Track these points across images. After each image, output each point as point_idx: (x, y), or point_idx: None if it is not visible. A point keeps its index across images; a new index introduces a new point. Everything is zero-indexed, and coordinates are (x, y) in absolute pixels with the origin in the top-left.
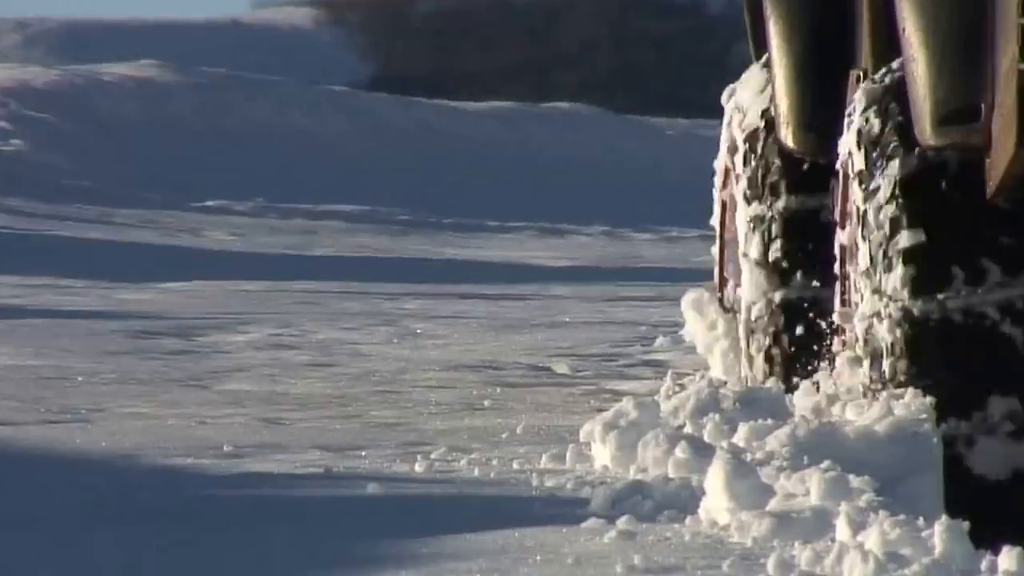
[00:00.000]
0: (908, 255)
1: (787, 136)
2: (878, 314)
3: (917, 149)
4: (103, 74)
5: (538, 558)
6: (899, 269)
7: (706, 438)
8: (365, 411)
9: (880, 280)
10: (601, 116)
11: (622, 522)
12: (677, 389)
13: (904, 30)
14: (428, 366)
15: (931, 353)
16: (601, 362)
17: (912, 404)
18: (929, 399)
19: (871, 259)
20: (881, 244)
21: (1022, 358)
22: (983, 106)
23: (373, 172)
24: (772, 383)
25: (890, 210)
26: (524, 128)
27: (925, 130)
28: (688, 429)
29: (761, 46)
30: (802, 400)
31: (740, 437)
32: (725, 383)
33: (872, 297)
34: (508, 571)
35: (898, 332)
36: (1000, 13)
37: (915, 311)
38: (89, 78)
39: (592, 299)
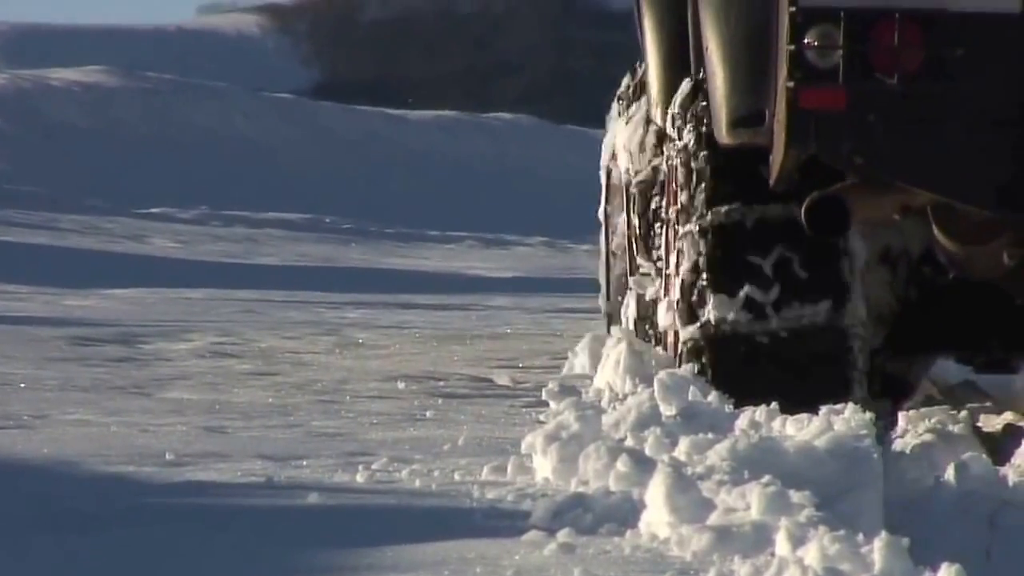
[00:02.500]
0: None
1: (656, 115)
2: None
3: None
4: (50, 79)
5: (478, 570)
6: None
7: (647, 451)
8: (307, 420)
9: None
10: (542, 127)
11: (562, 535)
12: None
13: (707, 48)
14: (370, 376)
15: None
16: (542, 374)
17: (852, 420)
18: (869, 415)
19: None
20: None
21: None
22: (767, 113)
23: (316, 180)
24: None
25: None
26: (466, 138)
27: (721, 131)
28: (629, 442)
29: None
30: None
31: (681, 451)
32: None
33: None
34: None
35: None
36: (779, 40)
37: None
38: (36, 82)
39: (533, 310)
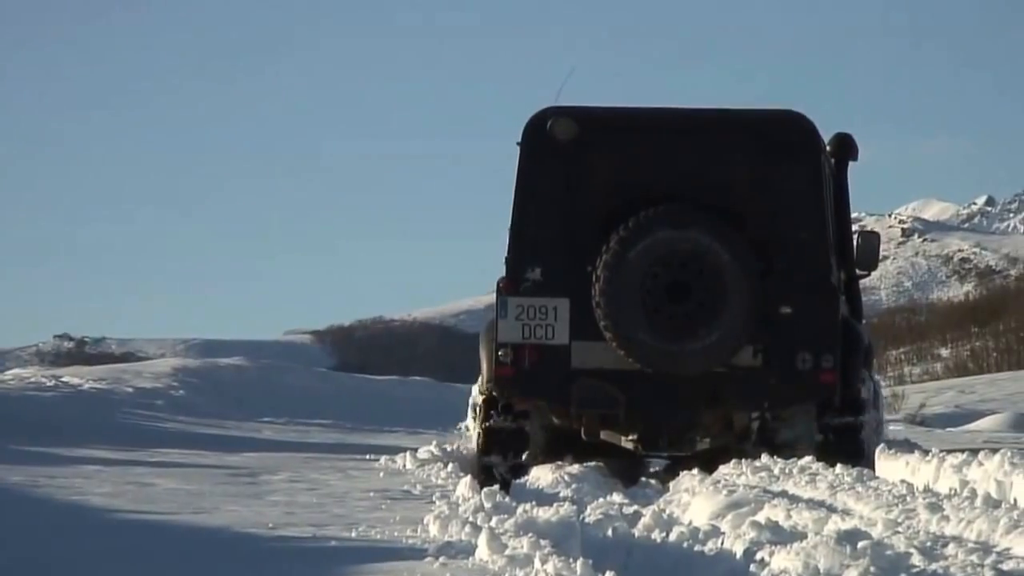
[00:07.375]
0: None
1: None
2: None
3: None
4: (219, 363)
5: (404, 574)
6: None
7: (479, 523)
8: (330, 509)
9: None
10: (435, 383)
11: (442, 559)
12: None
13: (481, 358)
14: (358, 490)
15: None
16: (432, 487)
17: (567, 510)
18: (575, 507)
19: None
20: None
21: None
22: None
23: (334, 406)
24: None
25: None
26: (401, 388)
27: (483, 387)
28: (470, 519)
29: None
30: None
31: (493, 523)
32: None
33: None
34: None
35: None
36: (493, 350)
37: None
38: (213, 364)
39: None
